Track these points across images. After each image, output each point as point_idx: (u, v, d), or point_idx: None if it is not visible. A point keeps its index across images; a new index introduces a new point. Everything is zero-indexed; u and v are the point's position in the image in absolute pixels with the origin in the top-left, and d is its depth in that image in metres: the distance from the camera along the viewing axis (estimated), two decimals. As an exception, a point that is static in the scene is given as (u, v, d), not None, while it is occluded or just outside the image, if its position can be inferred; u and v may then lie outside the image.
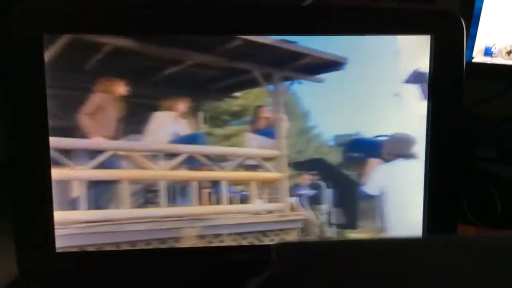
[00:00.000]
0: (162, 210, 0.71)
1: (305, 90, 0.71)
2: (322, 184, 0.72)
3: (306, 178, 0.72)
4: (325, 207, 0.73)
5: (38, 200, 0.67)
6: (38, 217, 0.67)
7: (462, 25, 0.68)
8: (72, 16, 0.66)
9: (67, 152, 0.69)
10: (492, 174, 0.90)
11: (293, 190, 0.73)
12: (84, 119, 0.69)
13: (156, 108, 0.70)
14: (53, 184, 0.68)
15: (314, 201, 0.73)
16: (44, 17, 0.65)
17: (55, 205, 0.68)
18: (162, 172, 0.71)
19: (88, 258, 0.69)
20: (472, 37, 0.92)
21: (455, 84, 0.69)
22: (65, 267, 0.69)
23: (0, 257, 0.71)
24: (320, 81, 0.71)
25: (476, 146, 0.94)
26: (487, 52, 0.92)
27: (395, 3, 0.90)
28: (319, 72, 0.71)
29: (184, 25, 0.68)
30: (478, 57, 0.93)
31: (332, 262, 0.38)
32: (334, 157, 0.72)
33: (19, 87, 0.65)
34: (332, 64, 0.70)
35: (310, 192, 0.73)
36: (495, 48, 0.92)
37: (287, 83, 0.71)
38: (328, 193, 0.72)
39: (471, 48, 0.93)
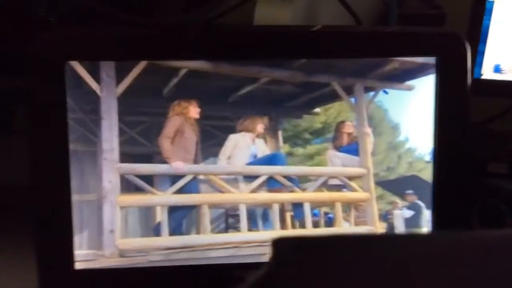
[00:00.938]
0: (243, 235, 0.69)
1: (392, 100, 0.69)
2: (421, 204, 0.70)
3: (398, 198, 0.70)
4: (422, 231, 0.70)
5: (59, 221, 0.66)
6: (59, 237, 0.66)
7: (466, 47, 0.68)
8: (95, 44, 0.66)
9: (148, 178, 0.67)
10: (503, 190, 0.90)
11: (384, 211, 0.70)
12: (165, 143, 0.67)
13: (233, 130, 0.68)
14: (136, 210, 0.67)
15: (410, 224, 0.70)
16: (67, 45, 0.65)
17: (139, 232, 0.67)
18: (242, 195, 0.69)
19: (106, 276, 0.68)
20: (481, 55, 0.94)
21: (460, 103, 0.69)
22: (83, 284, 0.68)
23: (22, 277, 0.71)
24: (409, 88, 0.69)
25: (488, 162, 0.95)
26: (496, 69, 0.94)
27: (403, 27, 0.90)
28: (407, 79, 0.69)
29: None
30: (488, 74, 0.94)
31: (329, 257, 0.38)
32: (431, 174, 0.69)
33: (42, 113, 0.65)
34: (422, 68, 0.68)
35: (404, 213, 0.70)
36: (504, 65, 0.94)
37: (371, 93, 0.69)
38: (426, 214, 0.69)
39: (480, 65, 0.94)
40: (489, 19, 0.93)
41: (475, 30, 0.93)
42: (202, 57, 0.66)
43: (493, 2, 0.91)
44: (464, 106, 0.69)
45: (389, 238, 0.43)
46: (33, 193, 0.66)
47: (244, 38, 0.67)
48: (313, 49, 0.67)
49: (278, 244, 0.39)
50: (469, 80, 0.68)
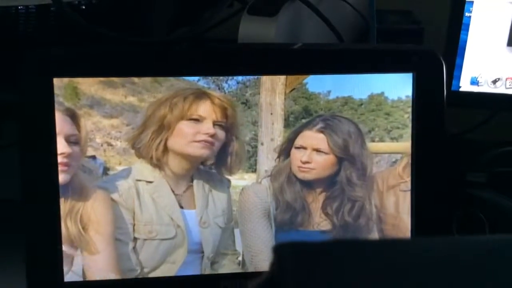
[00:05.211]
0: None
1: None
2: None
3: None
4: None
5: (48, 234, 0.67)
6: (48, 250, 0.67)
7: (442, 63, 0.71)
8: (83, 61, 0.67)
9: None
10: (481, 199, 0.92)
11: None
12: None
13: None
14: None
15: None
16: (54, 63, 0.67)
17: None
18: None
19: None
20: (459, 68, 0.96)
21: (436, 116, 0.72)
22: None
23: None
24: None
25: (466, 172, 0.97)
26: (473, 81, 0.96)
27: (381, 44, 0.92)
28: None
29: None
30: (465, 86, 0.97)
31: (331, 263, 0.38)
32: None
33: (31, 128, 0.66)
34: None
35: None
36: (481, 77, 0.96)
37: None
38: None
39: (458, 78, 0.97)
40: (466, 34, 0.95)
41: (453, 44, 0.96)
42: (188, 73, 0.68)
43: (470, 17, 0.93)
44: (440, 120, 0.72)
45: (391, 243, 0.44)
46: (22, 207, 0.66)
47: (228, 55, 0.70)
48: (294, 66, 0.70)
49: (280, 250, 0.38)
50: (444, 94, 0.71)
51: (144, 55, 0.69)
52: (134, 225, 0.61)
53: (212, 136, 0.63)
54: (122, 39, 0.74)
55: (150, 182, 0.62)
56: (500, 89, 0.96)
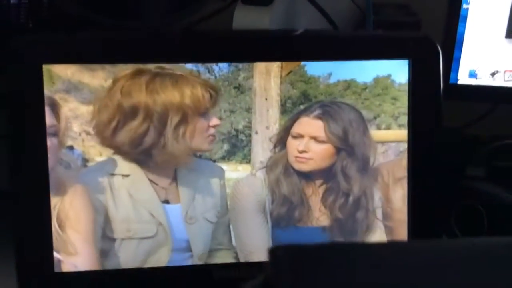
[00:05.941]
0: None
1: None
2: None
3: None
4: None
5: (38, 224, 0.65)
6: (38, 240, 0.66)
7: (438, 49, 0.70)
8: (72, 47, 0.65)
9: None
10: (480, 193, 0.92)
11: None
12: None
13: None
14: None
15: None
16: (43, 49, 0.64)
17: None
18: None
19: (86, 278, 0.67)
20: (457, 61, 0.96)
21: (433, 102, 0.71)
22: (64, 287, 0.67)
23: (1, 281, 0.71)
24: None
25: (466, 165, 0.96)
26: (472, 74, 0.96)
27: (378, 30, 0.92)
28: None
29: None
30: (464, 79, 0.96)
31: (326, 265, 0.38)
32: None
33: (20, 117, 0.65)
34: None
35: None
36: (479, 70, 0.96)
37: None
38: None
39: (456, 71, 0.96)
40: (464, 26, 0.95)
41: (451, 37, 0.95)
42: (182, 60, 0.66)
43: (467, 9, 0.93)
44: (437, 106, 0.70)
45: (386, 246, 0.44)
46: (11, 197, 0.65)
47: (224, 42, 0.68)
48: (289, 53, 0.67)
49: (275, 252, 0.38)
50: (441, 80, 0.70)
51: (136, 42, 0.68)
52: (110, 223, 0.57)
53: (218, 126, 0.59)
54: (115, 26, 0.74)
55: (126, 175, 0.58)
56: (498, 81, 0.95)
